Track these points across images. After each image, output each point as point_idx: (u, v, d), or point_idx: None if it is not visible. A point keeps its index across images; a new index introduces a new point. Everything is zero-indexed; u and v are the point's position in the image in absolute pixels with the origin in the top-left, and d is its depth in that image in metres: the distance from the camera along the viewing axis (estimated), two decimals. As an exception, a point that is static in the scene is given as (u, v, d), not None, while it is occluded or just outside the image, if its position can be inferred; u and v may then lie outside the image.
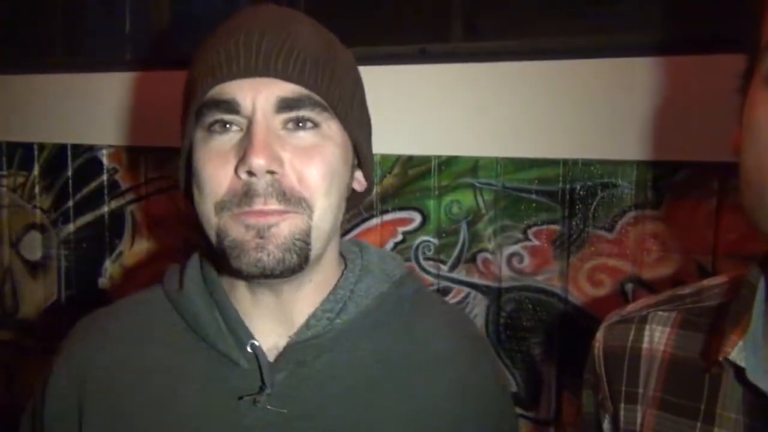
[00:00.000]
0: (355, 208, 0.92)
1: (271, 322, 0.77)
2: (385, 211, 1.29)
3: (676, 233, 1.10)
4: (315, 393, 0.74)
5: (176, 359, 0.77)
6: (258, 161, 0.67)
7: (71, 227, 1.59)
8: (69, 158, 1.57)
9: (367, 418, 0.75)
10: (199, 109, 0.72)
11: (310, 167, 0.71)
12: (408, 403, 0.77)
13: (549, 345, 1.20)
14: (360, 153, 0.80)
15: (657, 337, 0.73)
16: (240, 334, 0.75)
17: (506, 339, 1.22)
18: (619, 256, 1.14)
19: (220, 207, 0.71)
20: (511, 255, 1.21)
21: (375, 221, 1.30)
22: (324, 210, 0.72)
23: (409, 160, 1.27)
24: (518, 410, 1.22)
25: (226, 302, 0.77)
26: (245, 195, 0.69)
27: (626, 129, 1.11)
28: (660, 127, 1.09)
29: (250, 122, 0.70)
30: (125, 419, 0.75)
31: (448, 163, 1.24)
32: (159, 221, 1.50)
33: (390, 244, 1.29)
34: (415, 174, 1.27)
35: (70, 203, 1.58)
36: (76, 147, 1.56)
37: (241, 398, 0.73)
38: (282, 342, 0.76)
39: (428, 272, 1.27)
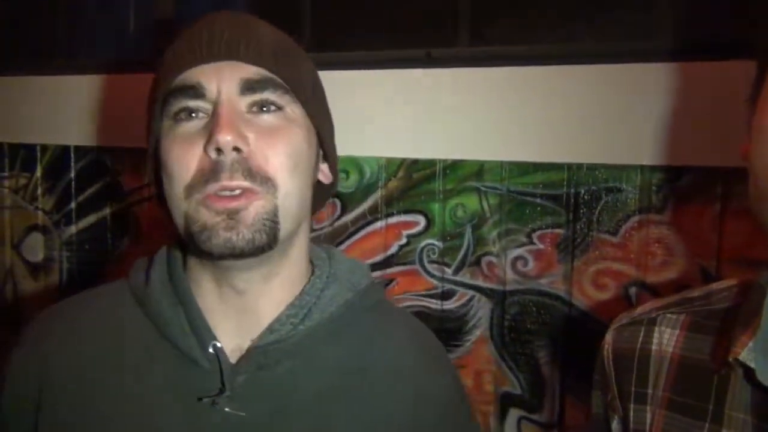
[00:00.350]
0: (323, 205, 0.93)
1: (235, 324, 0.77)
2: (389, 214, 1.30)
3: (680, 237, 1.11)
4: (275, 398, 0.75)
5: (138, 356, 0.77)
6: (225, 137, 0.69)
7: (73, 229, 1.59)
8: (72, 160, 1.57)
9: (326, 426, 0.75)
10: (165, 98, 0.74)
11: (275, 147, 0.73)
12: (367, 413, 0.77)
13: (553, 348, 1.20)
14: (324, 144, 0.82)
15: (666, 339, 0.74)
16: (203, 334, 0.75)
17: (510, 342, 1.23)
18: (623, 260, 1.14)
19: (189, 190, 0.71)
20: (516, 258, 1.22)
21: (379, 224, 1.31)
22: (289, 190, 0.73)
23: (414, 164, 1.28)
24: (522, 413, 1.23)
25: (190, 301, 0.77)
26: (212, 171, 0.70)
27: (631, 134, 1.12)
28: (664, 133, 1.10)
29: (216, 106, 0.72)
30: (85, 414, 0.75)
31: (453, 166, 1.25)
32: (161, 223, 1.50)
33: (394, 247, 1.30)
34: (420, 177, 1.28)
35: (73, 205, 1.58)
36: (78, 148, 1.56)
37: (200, 399, 0.73)
38: (245, 344, 0.76)
39: (432, 275, 1.27)
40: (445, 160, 1.26)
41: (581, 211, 1.17)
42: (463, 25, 1.28)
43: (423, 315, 1.28)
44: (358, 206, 1.32)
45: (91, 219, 1.57)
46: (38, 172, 1.61)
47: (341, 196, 1.33)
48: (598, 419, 0.81)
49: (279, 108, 0.75)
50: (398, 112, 1.27)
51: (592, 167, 1.15)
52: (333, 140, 0.86)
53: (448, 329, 1.26)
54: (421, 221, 1.28)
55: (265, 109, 0.74)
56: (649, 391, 0.73)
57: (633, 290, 1.14)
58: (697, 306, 0.74)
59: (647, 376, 0.74)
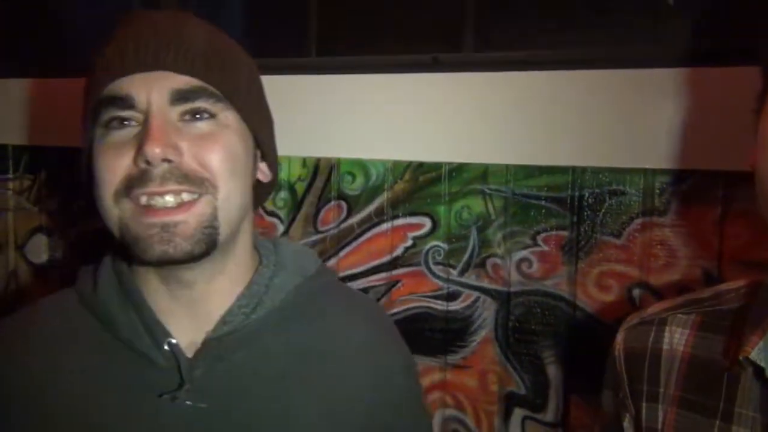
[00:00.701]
0: (265, 200, 0.96)
1: (188, 319, 0.78)
2: (395, 217, 1.32)
3: (683, 240, 1.13)
4: (233, 387, 0.76)
5: (95, 361, 0.78)
6: (153, 150, 0.69)
7: (77, 230, 1.59)
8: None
9: (284, 409, 0.77)
10: (95, 107, 0.73)
11: (210, 152, 0.73)
12: (323, 393, 0.79)
13: (557, 348, 1.22)
14: (262, 143, 0.82)
15: (677, 338, 0.76)
16: (157, 333, 0.76)
17: (515, 342, 1.25)
18: (626, 262, 1.16)
19: (118, 195, 0.72)
20: (521, 260, 1.24)
21: (385, 226, 1.32)
22: (228, 191, 0.74)
23: (420, 167, 1.29)
24: (527, 413, 1.24)
25: (141, 302, 0.78)
26: (138, 179, 0.70)
27: (634, 138, 1.14)
28: (667, 137, 1.12)
29: (147, 116, 0.71)
30: (46, 424, 0.76)
31: (458, 169, 1.27)
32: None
33: (400, 249, 1.31)
34: (426, 180, 1.29)
35: (76, 207, 1.59)
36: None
37: (161, 396, 0.74)
38: (199, 338, 0.77)
39: (438, 277, 1.29)
40: (450, 163, 1.27)
41: (585, 213, 1.19)
42: (469, 30, 1.30)
43: (428, 316, 1.30)
44: (365, 208, 1.34)
45: (94, 221, 1.57)
46: (42, 174, 1.62)
47: (347, 198, 1.35)
48: (609, 418, 0.83)
49: (212, 115, 0.75)
50: (404, 116, 1.29)
51: (596, 170, 1.18)
52: (272, 138, 0.87)
53: (454, 330, 1.28)
54: (427, 223, 1.30)
55: (198, 116, 0.74)
56: (661, 389, 0.75)
57: (636, 292, 1.16)
58: (707, 306, 0.77)
59: (659, 374, 0.76)
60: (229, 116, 0.76)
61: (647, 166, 1.14)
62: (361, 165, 1.33)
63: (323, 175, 1.37)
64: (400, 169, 1.31)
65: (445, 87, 1.27)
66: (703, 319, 0.76)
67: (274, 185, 0.91)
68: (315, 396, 0.78)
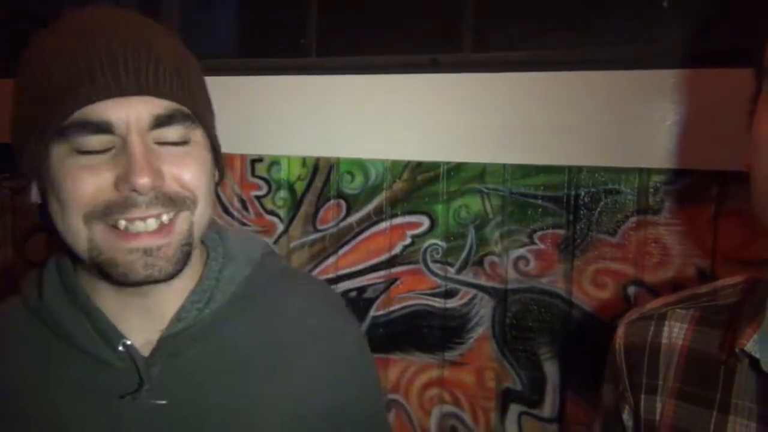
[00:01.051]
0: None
1: (141, 320, 0.78)
2: (394, 215, 1.33)
3: (677, 238, 1.15)
4: (191, 381, 0.77)
5: (48, 369, 0.78)
6: (143, 181, 0.67)
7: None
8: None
9: (244, 399, 0.78)
10: (62, 129, 0.68)
11: (189, 172, 0.73)
12: (282, 380, 0.80)
13: (553, 345, 1.24)
14: (216, 147, 0.81)
15: (676, 332, 0.78)
16: (110, 336, 0.76)
17: (512, 339, 1.27)
18: (621, 260, 1.19)
19: (89, 217, 0.69)
20: (518, 258, 1.26)
21: (384, 225, 1.34)
22: (204, 206, 0.75)
23: (419, 166, 1.31)
24: (523, 408, 1.27)
25: (91, 308, 0.77)
26: (122, 205, 0.69)
27: (629, 138, 1.17)
28: (661, 137, 1.15)
29: (127, 143, 0.68)
30: None
31: (456, 169, 1.29)
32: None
33: (399, 247, 1.33)
34: (424, 179, 1.31)
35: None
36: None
37: (123, 397, 0.74)
38: (154, 336, 0.77)
39: (436, 274, 1.31)
40: (448, 163, 1.29)
41: (581, 212, 1.21)
42: (467, 32, 1.33)
43: (426, 313, 1.32)
44: (364, 207, 1.35)
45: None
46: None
47: (347, 197, 1.36)
48: (609, 411, 0.85)
49: (187, 142, 0.74)
50: (403, 116, 1.31)
51: (592, 170, 1.20)
52: (216, 136, 0.84)
53: (451, 327, 1.30)
54: (425, 222, 1.32)
55: (177, 144, 0.73)
56: (660, 382, 0.77)
57: (631, 289, 1.18)
58: (705, 302, 0.79)
59: (657, 367, 0.78)
60: (197, 133, 0.75)
61: (642, 166, 1.17)
62: (360, 164, 1.35)
63: (323, 175, 1.39)
64: (399, 168, 1.32)
65: (444, 87, 1.28)
66: (701, 313, 0.78)
67: (221, 180, 0.89)
68: (275, 383, 0.79)
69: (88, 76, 0.67)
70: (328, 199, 1.38)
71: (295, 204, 1.41)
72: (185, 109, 0.72)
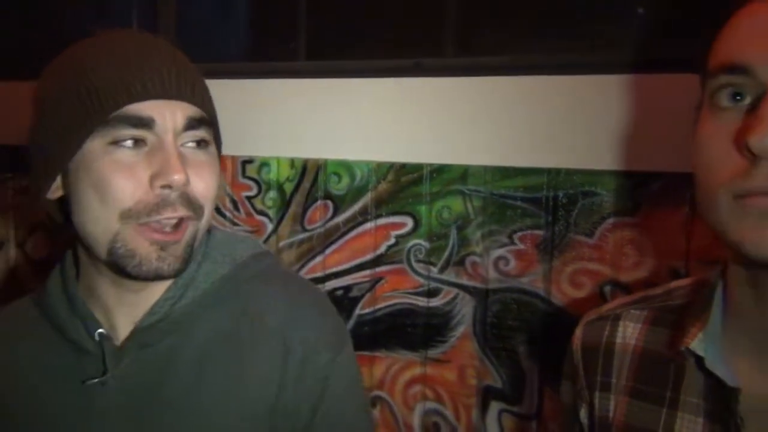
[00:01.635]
0: None
1: (128, 313, 0.85)
2: (379, 216, 1.37)
3: (652, 239, 1.17)
4: (158, 373, 0.83)
5: (45, 357, 0.87)
6: (178, 176, 0.75)
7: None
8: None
9: (203, 391, 0.83)
10: (107, 120, 0.76)
11: (205, 182, 0.81)
12: (239, 373, 0.84)
13: (532, 343, 1.27)
14: (219, 152, 0.89)
15: (629, 332, 0.81)
16: (88, 324, 0.84)
17: (492, 338, 1.29)
18: (598, 260, 1.21)
19: (127, 216, 0.76)
20: (498, 258, 1.28)
21: (369, 225, 1.37)
22: (209, 214, 0.83)
23: (403, 168, 1.34)
24: (503, 406, 1.29)
25: (75, 296, 0.85)
26: (156, 205, 0.76)
27: (606, 141, 1.19)
28: (637, 140, 1.17)
29: (163, 141, 0.77)
30: (2, 420, 0.85)
31: (439, 170, 1.32)
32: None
33: (383, 247, 1.36)
34: (408, 181, 1.34)
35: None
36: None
37: (84, 382, 0.82)
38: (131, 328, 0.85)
39: (419, 274, 1.34)
40: (431, 165, 1.32)
41: (559, 213, 1.23)
42: (450, 37, 1.35)
43: (410, 312, 1.35)
44: (350, 208, 1.39)
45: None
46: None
47: (334, 198, 1.40)
48: (567, 408, 0.88)
49: (207, 144, 0.83)
50: (388, 119, 1.34)
51: (570, 172, 1.22)
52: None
53: (434, 325, 1.33)
54: (409, 222, 1.35)
55: (200, 145, 0.81)
56: (613, 380, 0.80)
57: (607, 289, 1.21)
58: (658, 302, 0.81)
59: (611, 366, 0.80)
60: (213, 145, 0.85)
61: (618, 168, 1.19)
62: (347, 166, 1.38)
63: (311, 176, 1.42)
64: (384, 170, 1.35)
65: (427, 91, 1.31)
66: (654, 314, 0.80)
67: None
68: (230, 376, 0.84)
69: (138, 78, 0.76)
70: (316, 200, 1.42)
71: (284, 204, 1.45)
72: (206, 116, 0.82)
